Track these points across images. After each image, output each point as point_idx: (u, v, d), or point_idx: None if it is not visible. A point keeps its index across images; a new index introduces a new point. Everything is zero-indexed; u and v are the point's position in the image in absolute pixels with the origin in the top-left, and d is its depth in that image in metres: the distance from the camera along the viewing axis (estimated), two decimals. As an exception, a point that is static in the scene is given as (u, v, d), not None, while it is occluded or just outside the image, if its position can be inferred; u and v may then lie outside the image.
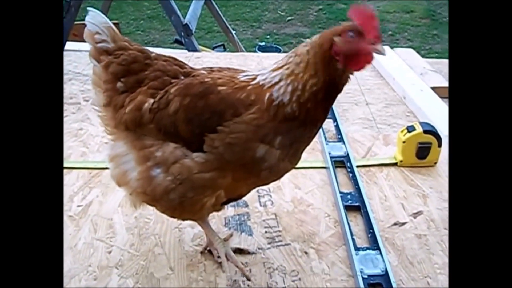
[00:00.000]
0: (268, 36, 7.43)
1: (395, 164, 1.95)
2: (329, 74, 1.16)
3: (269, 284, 1.40)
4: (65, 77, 2.75)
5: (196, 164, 1.22)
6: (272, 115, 1.19)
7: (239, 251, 1.50)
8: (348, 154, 1.98)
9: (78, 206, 1.70)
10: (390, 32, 7.36)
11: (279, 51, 6.01)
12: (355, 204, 1.70)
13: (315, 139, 2.12)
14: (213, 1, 5.14)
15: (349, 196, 1.74)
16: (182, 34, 4.22)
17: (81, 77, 2.76)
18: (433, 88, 2.52)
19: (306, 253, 1.51)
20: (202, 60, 3.02)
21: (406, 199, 1.77)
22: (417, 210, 1.71)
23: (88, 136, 2.15)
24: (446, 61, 3.07)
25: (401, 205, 1.73)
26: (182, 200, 1.26)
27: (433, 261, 1.48)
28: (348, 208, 1.68)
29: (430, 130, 1.88)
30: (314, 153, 2.04)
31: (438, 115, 2.22)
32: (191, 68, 1.37)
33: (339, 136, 2.13)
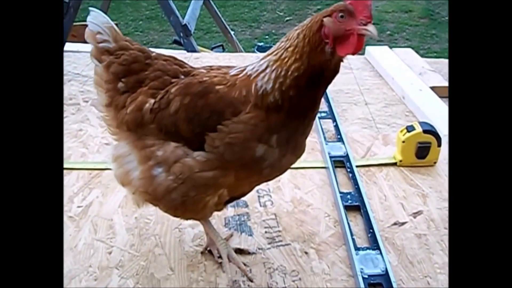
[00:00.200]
0: (267, 37, 7.43)
1: (394, 164, 1.96)
2: (315, 59, 1.10)
3: (269, 284, 1.40)
4: (64, 78, 2.74)
5: (197, 163, 1.22)
6: (260, 108, 1.15)
7: (239, 251, 1.50)
8: (347, 154, 1.99)
9: (78, 206, 1.70)
10: (388, 32, 7.36)
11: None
12: (355, 204, 1.71)
13: (315, 139, 2.14)
14: (211, 2, 5.14)
15: (348, 196, 1.74)
16: (181, 34, 4.22)
17: (80, 78, 2.75)
18: (432, 88, 2.53)
19: (306, 253, 1.52)
20: (201, 60, 3.02)
21: (406, 198, 1.77)
22: (416, 209, 1.71)
23: (87, 137, 2.15)
24: (445, 60, 3.08)
25: (401, 205, 1.74)
26: (184, 199, 1.26)
27: (433, 260, 1.48)
28: (348, 208, 1.68)
29: (430, 130, 1.88)
30: (314, 153, 2.04)
31: (437, 114, 2.22)
32: (191, 67, 1.37)
33: (339, 136, 2.14)
